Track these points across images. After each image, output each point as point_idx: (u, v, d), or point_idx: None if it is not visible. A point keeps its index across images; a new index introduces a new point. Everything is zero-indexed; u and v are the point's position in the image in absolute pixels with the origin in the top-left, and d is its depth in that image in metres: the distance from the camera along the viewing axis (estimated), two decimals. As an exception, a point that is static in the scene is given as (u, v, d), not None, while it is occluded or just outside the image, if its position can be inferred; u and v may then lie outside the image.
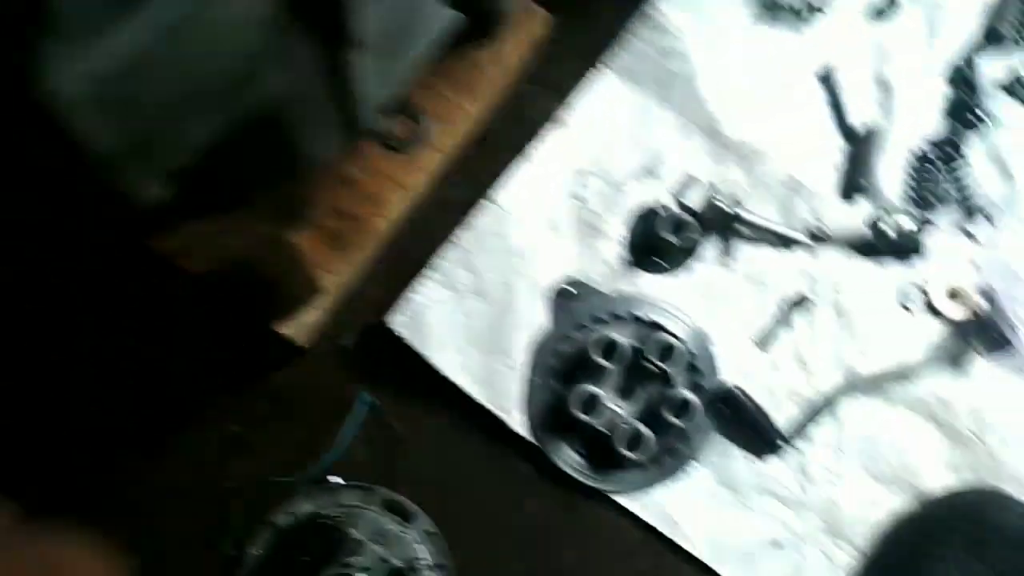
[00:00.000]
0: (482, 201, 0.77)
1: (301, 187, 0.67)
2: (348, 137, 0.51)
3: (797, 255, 0.78)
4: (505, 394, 0.74)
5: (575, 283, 0.77)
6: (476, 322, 0.75)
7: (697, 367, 0.75)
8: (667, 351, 0.73)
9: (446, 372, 0.74)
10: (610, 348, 0.73)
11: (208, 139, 0.43)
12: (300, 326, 0.72)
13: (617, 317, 0.76)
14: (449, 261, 0.75)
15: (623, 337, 0.73)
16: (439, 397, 0.75)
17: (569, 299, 0.77)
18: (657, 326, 0.75)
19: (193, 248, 0.55)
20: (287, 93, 0.44)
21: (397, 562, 0.69)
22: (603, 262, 0.78)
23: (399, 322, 0.74)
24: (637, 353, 0.74)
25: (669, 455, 0.74)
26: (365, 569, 0.68)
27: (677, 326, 0.76)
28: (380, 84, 0.48)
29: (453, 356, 0.74)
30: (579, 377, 0.74)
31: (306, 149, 0.50)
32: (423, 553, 0.71)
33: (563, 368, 0.75)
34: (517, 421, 0.74)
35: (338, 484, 0.73)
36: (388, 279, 0.77)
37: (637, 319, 0.76)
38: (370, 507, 0.72)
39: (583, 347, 0.74)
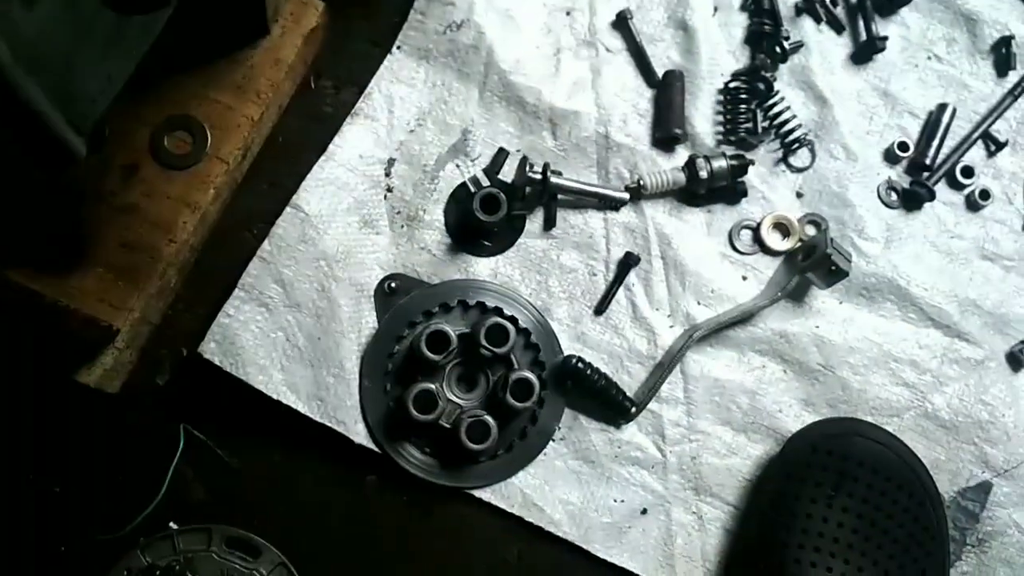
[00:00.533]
0: (286, 208, 0.73)
1: (68, 228, 0.62)
2: (63, 162, 0.46)
3: (622, 214, 0.75)
4: (340, 406, 0.70)
5: (398, 278, 0.73)
6: (297, 336, 0.71)
7: (536, 344, 0.72)
8: (500, 334, 0.70)
9: (272, 393, 0.70)
10: (440, 341, 0.69)
11: None
12: (103, 372, 0.67)
13: (447, 307, 0.72)
14: (256, 277, 0.71)
15: (453, 327, 0.70)
16: (273, 420, 0.71)
17: (394, 296, 0.73)
18: (489, 309, 0.72)
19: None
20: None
21: (244, 602, 0.66)
22: (426, 252, 0.74)
23: (211, 349, 0.69)
24: (470, 341, 0.70)
25: (521, 439, 0.72)
26: (208, 616, 0.64)
27: (510, 306, 0.73)
28: (65, 105, 0.43)
29: (276, 375, 0.70)
30: (417, 376, 0.70)
31: (27, 183, 0.45)
32: (273, 587, 0.67)
33: (398, 369, 0.72)
34: (357, 432, 0.70)
35: (175, 530, 0.69)
36: (198, 305, 0.72)
37: (467, 306, 0.73)
38: (211, 548, 0.68)
39: (415, 344, 0.70)
